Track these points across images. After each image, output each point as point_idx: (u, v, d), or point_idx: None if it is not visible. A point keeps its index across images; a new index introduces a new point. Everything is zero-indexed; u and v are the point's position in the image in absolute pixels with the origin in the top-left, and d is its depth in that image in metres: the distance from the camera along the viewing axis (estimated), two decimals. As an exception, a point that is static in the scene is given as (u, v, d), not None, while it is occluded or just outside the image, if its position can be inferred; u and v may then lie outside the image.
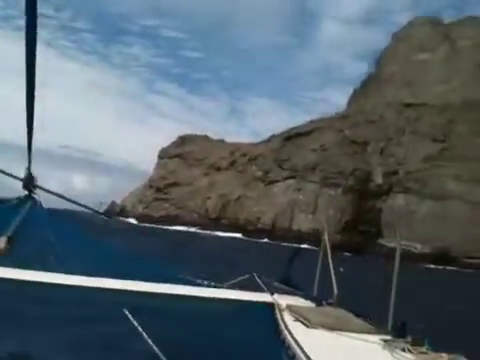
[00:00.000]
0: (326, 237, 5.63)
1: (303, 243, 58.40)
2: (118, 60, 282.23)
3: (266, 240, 62.48)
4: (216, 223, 72.93)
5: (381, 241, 55.81)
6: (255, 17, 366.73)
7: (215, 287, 4.75)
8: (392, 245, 54.86)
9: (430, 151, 62.52)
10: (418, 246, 52.98)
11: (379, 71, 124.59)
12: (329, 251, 5.37)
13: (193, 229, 71.20)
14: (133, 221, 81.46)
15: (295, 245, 57.98)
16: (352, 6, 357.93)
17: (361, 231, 59.00)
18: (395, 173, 62.17)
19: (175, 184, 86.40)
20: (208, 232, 66.68)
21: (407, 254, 52.12)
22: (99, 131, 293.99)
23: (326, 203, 61.45)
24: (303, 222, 62.43)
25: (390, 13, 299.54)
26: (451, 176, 56.76)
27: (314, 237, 59.24)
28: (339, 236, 58.50)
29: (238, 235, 65.75)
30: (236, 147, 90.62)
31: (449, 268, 48.94)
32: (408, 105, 76.56)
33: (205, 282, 4.81)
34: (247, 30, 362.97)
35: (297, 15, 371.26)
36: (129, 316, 3.21)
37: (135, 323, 3.12)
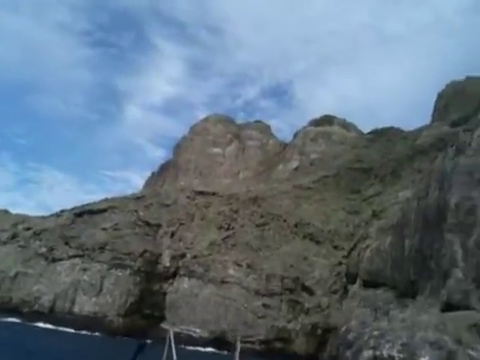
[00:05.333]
0: None
1: (83, 329, 54.83)
2: None
3: (41, 324, 56.59)
4: (-17, 305, 63.29)
5: (164, 325, 56.01)
6: (58, 87, 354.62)
7: None
8: (175, 329, 55.49)
9: (215, 237, 67.40)
10: (198, 330, 54.73)
11: (176, 158, 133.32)
12: None
13: None
14: None
15: (77, 332, 53.89)
16: (156, 94, 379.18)
17: (145, 314, 58.42)
18: (183, 256, 64.58)
19: None
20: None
21: (189, 338, 53.40)
22: None
23: (112, 285, 59.55)
24: (86, 305, 58.77)
25: (189, 106, 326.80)
26: (231, 262, 61.62)
27: (95, 321, 56.30)
28: (122, 320, 56.74)
29: (10, 319, 57.98)
30: (21, 219, 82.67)
31: (226, 353, 50.94)
32: (199, 193, 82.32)
33: None
34: (48, 99, 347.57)
35: (103, 92, 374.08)
36: None
37: None
